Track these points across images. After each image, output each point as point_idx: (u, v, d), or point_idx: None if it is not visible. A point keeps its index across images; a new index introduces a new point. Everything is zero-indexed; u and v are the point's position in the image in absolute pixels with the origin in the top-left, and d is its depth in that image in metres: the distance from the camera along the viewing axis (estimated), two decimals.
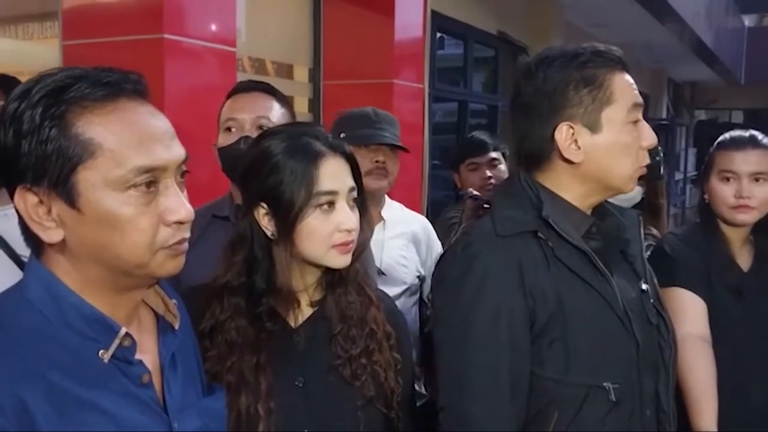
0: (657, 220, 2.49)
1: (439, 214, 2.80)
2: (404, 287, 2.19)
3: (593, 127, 1.28)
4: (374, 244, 2.16)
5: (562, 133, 1.29)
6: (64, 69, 0.89)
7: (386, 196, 2.27)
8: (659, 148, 2.22)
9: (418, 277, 2.24)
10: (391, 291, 2.05)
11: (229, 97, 1.80)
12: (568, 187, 1.32)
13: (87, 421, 0.86)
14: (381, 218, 2.22)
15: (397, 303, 2.03)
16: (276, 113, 1.74)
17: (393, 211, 2.27)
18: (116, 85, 0.89)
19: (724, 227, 1.90)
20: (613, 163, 1.29)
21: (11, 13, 3.30)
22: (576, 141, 1.29)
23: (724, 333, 1.78)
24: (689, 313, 1.76)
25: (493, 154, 2.79)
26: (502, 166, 2.79)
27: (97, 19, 2.68)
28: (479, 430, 1.22)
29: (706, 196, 1.92)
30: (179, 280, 1.48)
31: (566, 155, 1.30)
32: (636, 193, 2.31)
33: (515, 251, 1.25)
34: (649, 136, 1.31)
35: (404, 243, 2.23)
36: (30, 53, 3.19)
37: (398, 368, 1.32)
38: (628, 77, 1.31)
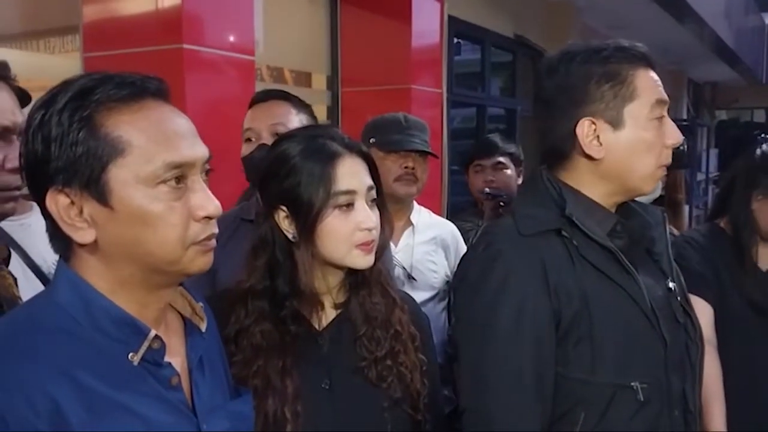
0: (676, 216, 2.41)
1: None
2: (433, 292, 2.19)
3: (615, 123, 1.27)
4: (404, 249, 2.17)
5: (584, 129, 1.27)
6: (86, 74, 0.91)
7: (415, 202, 2.28)
8: (683, 137, 2.19)
9: (447, 282, 2.23)
10: (421, 296, 2.06)
11: (248, 108, 1.86)
12: (590, 185, 1.31)
13: (119, 423, 0.87)
14: (410, 223, 2.23)
15: (426, 308, 2.04)
16: (292, 119, 1.78)
17: (422, 216, 2.28)
18: (140, 85, 0.91)
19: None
20: (635, 160, 1.27)
21: (33, 28, 3.34)
22: (598, 137, 1.27)
23: (738, 335, 1.77)
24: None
25: (500, 158, 2.72)
26: (509, 171, 2.73)
27: (117, 31, 2.71)
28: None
29: (755, 208, 1.86)
30: (216, 281, 1.50)
31: (588, 151, 1.28)
32: (657, 187, 2.28)
33: (538, 250, 1.24)
34: (673, 134, 1.29)
35: (433, 248, 2.23)
36: (52, 66, 3.24)
37: (424, 370, 1.32)
38: (652, 74, 1.29)
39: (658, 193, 2.32)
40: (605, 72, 1.27)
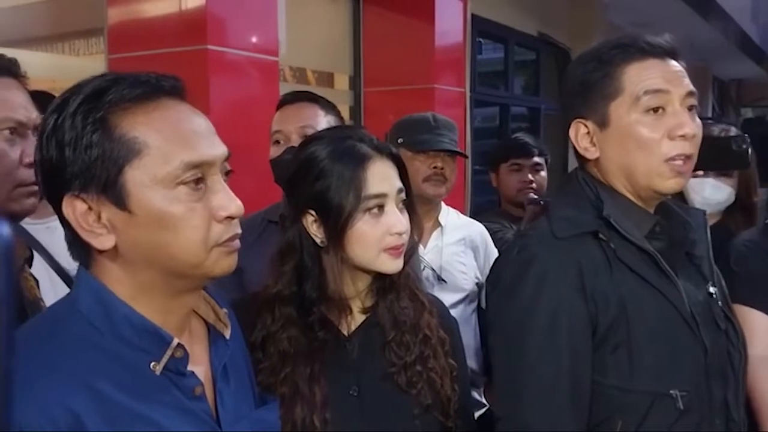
0: (751, 220, 2.10)
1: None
2: (464, 294, 2.16)
3: (602, 122, 1.25)
4: (432, 250, 2.14)
5: (577, 131, 1.28)
6: (100, 75, 0.88)
7: (443, 203, 2.25)
8: (746, 136, 2.00)
9: (477, 284, 2.20)
10: (451, 298, 2.03)
11: (276, 110, 1.85)
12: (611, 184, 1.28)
13: None
14: (438, 224, 2.20)
15: (457, 310, 2.02)
16: (321, 121, 1.77)
17: (450, 217, 2.25)
18: (154, 84, 0.88)
19: None
20: (630, 158, 1.23)
21: (58, 31, 3.38)
22: (592, 138, 1.26)
23: None
24: (755, 332, 1.61)
25: (537, 159, 2.72)
26: (544, 173, 2.73)
27: (141, 33, 2.72)
28: None
29: None
30: (243, 282, 1.49)
31: (581, 152, 1.28)
32: (728, 194, 2.06)
33: (574, 253, 1.20)
34: (681, 124, 1.20)
35: (462, 249, 2.20)
36: (76, 68, 3.26)
37: (454, 375, 1.29)
38: (650, 64, 1.23)
39: (731, 199, 2.07)
40: (596, 71, 1.25)
